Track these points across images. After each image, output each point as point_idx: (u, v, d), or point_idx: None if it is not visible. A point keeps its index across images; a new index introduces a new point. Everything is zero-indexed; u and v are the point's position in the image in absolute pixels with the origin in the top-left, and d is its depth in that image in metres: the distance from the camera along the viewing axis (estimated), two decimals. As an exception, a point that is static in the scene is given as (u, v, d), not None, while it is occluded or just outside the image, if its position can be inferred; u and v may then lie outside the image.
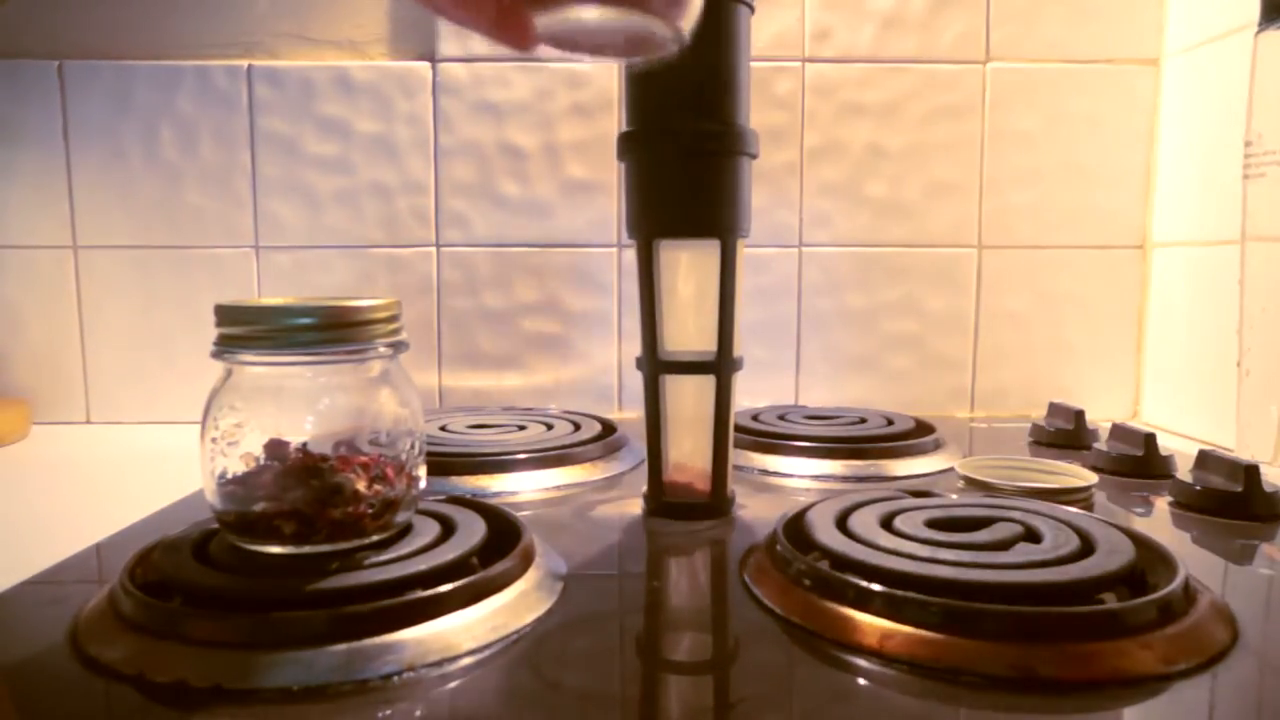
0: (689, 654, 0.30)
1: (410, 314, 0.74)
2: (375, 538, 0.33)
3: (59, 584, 0.35)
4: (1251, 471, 0.44)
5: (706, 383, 0.42)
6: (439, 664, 0.28)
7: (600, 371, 0.75)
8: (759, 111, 0.71)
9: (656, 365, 0.43)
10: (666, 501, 0.44)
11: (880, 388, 0.75)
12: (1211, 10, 0.66)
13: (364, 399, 0.34)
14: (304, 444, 0.33)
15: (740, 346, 0.43)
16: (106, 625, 0.29)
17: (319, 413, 0.34)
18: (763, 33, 0.72)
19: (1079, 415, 0.61)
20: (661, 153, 0.41)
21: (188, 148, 0.72)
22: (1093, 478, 0.48)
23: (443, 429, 0.59)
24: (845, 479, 0.51)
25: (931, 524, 0.36)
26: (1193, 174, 0.69)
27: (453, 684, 0.27)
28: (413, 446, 0.34)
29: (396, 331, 0.34)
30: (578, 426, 0.60)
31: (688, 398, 0.43)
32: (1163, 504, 0.46)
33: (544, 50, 0.29)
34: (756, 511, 0.45)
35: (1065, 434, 0.60)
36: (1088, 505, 0.46)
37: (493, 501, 0.41)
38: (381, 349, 0.33)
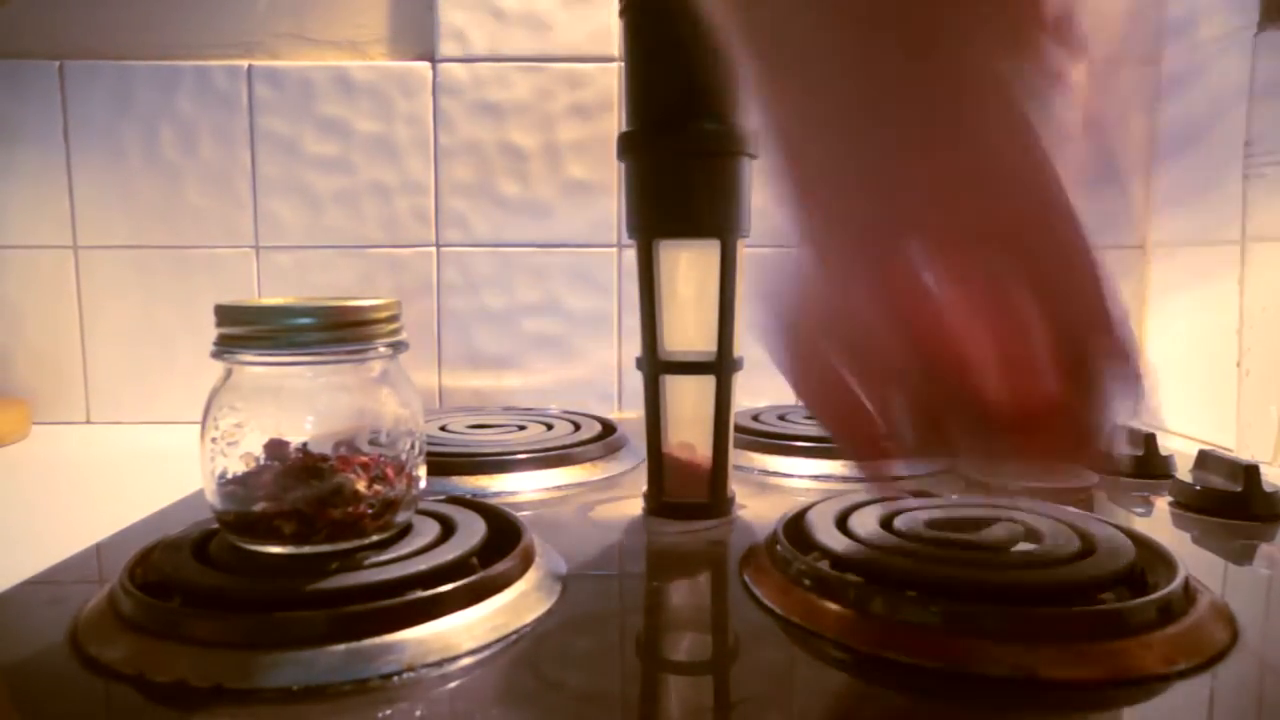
0: (689, 654, 0.30)
1: (410, 314, 0.74)
2: (375, 538, 0.33)
3: (59, 584, 0.35)
4: (1251, 471, 0.44)
5: (706, 383, 0.42)
6: (439, 664, 0.28)
7: (600, 371, 0.75)
8: (759, 111, 0.71)
9: (656, 365, 0.43)
10: (666, 501, 0.44)
11: (880, 388, 0.75)
12: (1211, 10, 0.66)
13: (364, 399, 0.34)
14: (304, 444, 0.33)
15: (740, 346, 0.43)
16: (106, 625, 0.29)
17: (319, 413, 0.34)
18: (763, 33, 0.72)
19: (1079, 415, 0.60)
20: (661, 153, 0.41)
21: (188, 148, 0.72)
22: (1093, 477, 0.48)
23: (443, 429, 0.59)
24: (845, 479, 0.51)
25: (931, 524, 0.36)
26: (1193, 174, 0.69)
27: (453, 684, 0.27)
28: (413, 446, 0.34)
29: (396, 331, 0.34)
30: (578, 426, 0.60)
31: (688, 398, 0.43)
32: (1163, 504, 0.46)
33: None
34: (756, 511, 0.45)
35: (1065, 434, 0.60)
36: (1088, 505, 0.46)
37: (493, 501, 0.41)
38: (381, 349, 0.34)
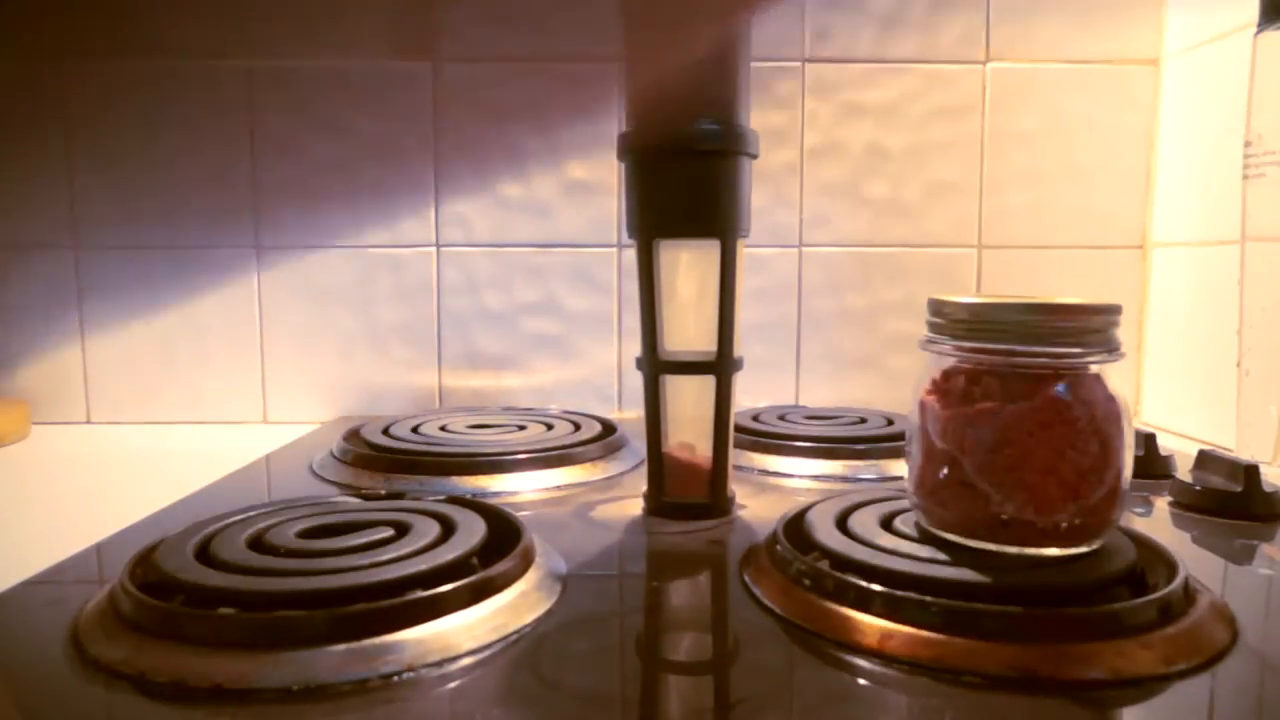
0: (689, 654, 0.30)
1: (410, 314, 0.74)
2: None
3: (59, 584, 0.35)
4: (1251, 471, 0.44)
5: (706, 383, 0.42)
6: (439, 664, 0.28)
7: (600, 371, 0.75)
8: (759, 111, 0.71)
9: (656, 365, 0.43)
10: (666, 501, 0.44)
11: (880, 388, 0.75)
12: (1211, 10, 0.66)
13: None
14: None
15: (740, 346, 0.43)
16: (106, 625, 0.29)
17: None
18: (763, 33, 0.72)
19: (1079, 415, 0.61)
20: (661, 152, 0.41)
21: (188, 148, 0.72)
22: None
23: (443, 429, 0.59)
24: (845, 479, 0.51)
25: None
26: (1193, 174, 0.69)
27: (453, 684, 0.27)
28: None
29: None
30: (578, 426, 0.60)
31: (688, 398, 0.43)
32: (1163, 504, 0.46)
33: None
34: (756, 511, 0.45)
35: (1065, 434, 0.60)
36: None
37: (493, 501, 0.41)
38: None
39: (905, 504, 0.39)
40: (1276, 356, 0.55)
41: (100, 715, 0.26)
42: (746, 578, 0.35)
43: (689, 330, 0.43)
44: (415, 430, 0.59)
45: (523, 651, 0.29)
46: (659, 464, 0.44)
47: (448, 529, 0.36)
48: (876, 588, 0.30)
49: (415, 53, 0.73)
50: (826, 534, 0.35)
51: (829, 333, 0.75)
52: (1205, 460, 0.48)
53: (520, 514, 0.38)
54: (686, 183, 0.41)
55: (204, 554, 0.33)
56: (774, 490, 0.50)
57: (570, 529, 0.43)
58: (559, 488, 0.50)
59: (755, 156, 0.42)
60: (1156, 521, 0.44)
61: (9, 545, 0.42)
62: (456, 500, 0.40)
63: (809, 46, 0.73)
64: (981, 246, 0.74)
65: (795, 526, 0.37)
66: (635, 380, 0.45)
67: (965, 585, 0.30)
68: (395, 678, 0.27)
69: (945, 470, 0.33)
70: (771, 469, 0.53)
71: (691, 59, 0.31)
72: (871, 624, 0.29)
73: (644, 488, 0.45)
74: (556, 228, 0.74)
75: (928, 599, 0.29)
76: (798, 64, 0.73)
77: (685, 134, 0.40)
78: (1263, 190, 0.55)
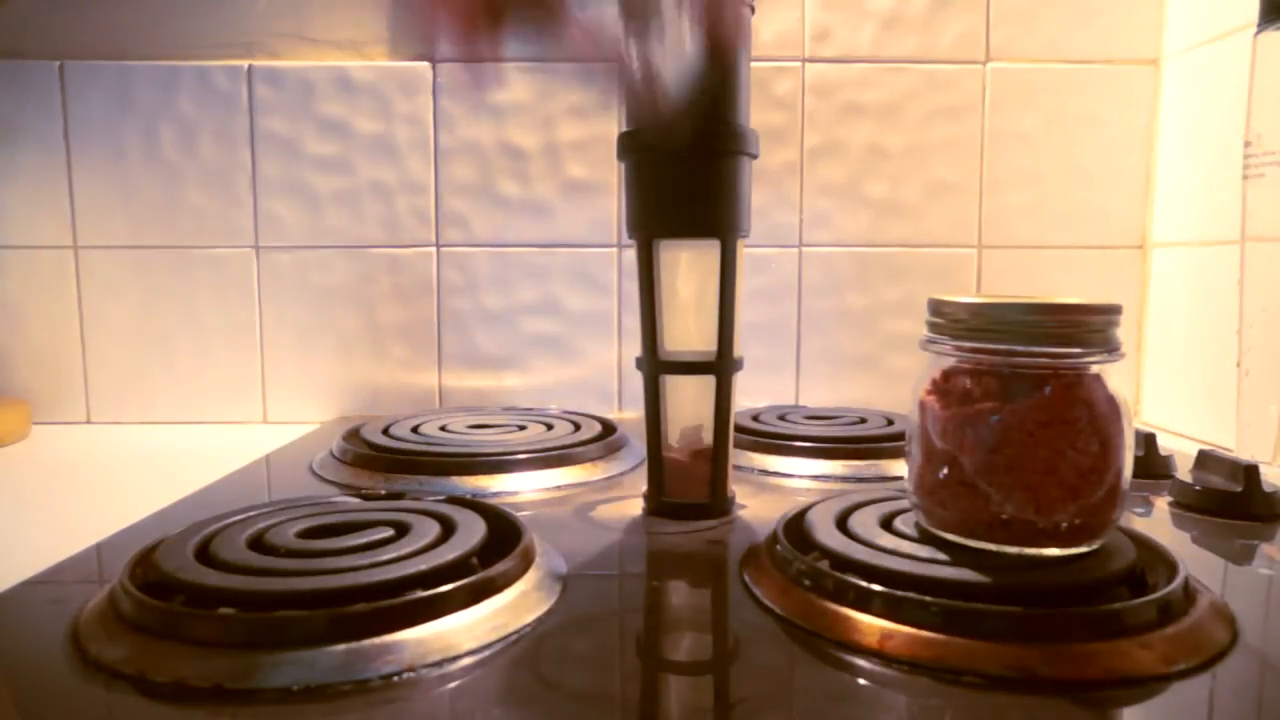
0: (689, 654, 0.30)
1: (410, 314, 0.74)
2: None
3: (59, 584, 0.35)
4: (1251, 471, 0.44)
5: (706, 383, 0.42)
6: (439, 664, 0.28)
7: (600, 371, 0.75)
8: (759, 111, 0.71)
9: (656, 365, 0.43)
10: (666, 501, 0.44)
11: (880, 388, 0.75)
12: (1211, 10, 0.66)
13: None
14: None
15: (740, 346, 0.43)
16: (106, 625, 0.29)
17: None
18: (763, 33, 0.72)
19: (1079, 415, 0.61)
20: (661, 153, 0.41)
21: (188, 148, 0.72)
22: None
23: (443, 429, 0.59)
24: (845, 479, 0.51)
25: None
26: (1193, 174, 0.69)
27: (453, 684, 0.27)
28: None
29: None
30: (578, 426, 0.60)
31: (688, 398, 0.43)
32: (1163, 504, 0.46)
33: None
34: (756, 511, 0.45)
35: (1065, 434, 0.60)
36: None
37: (493, 501, 0.41)
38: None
39: (905, 504, 0.39)
40: (1276, 356, 0.55)
41: (100, 715, 0.26)
42: (746, 578, 0.35)
43: (689, 330, 0.43)
44: (415, 430, 0.59)
45: (523, 651, 0.29)
46: (659, 464, 0.44)
47: (448, 529, 0.36)
48: (876, 588, 0.30)
49: (415, 53, 0.73)
50: (826, 534, 0.35)
51: (829, 333, 0.75)
52: (1205, 460, 0.48)
53: (520, 514, 0.38)
54: (686, 183, 0.41)
55: (204, 554, 0.33)
56: (774, 490, 0.50)
57: (570, 529, 0.43)
58: (559, 488, 0.50)
59: (755, 156, 0.42)
60: (1156, 521, 0.44)
61: (9, 545, 0.42)
62: (456, 500, 0.40)
63: (809, 46, 0.73)
64: (981, 246, 0.74)
65: (795, 526, 0.37)
66: (635, 380, 0.45)
67: (965, 585, 0.30)
68: (395, 678, 0.27)
69: (945, 470, 0.33)
70: (771, 469, 0.53)
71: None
72: (871, 624, 0.29)
73: (644, 488, 0.45)
74: (556, 228, 0.74)
75: (928, 599, 0.29)
76: (798, 64, 0.73)
77: (685, 134, 0.40)
78: (1263, 190, 0.55)
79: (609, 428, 0.60)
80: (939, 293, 0.35)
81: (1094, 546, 0.33)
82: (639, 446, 0.52)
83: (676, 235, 0.42)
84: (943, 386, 0.34)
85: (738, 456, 0.54)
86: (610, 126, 0.73)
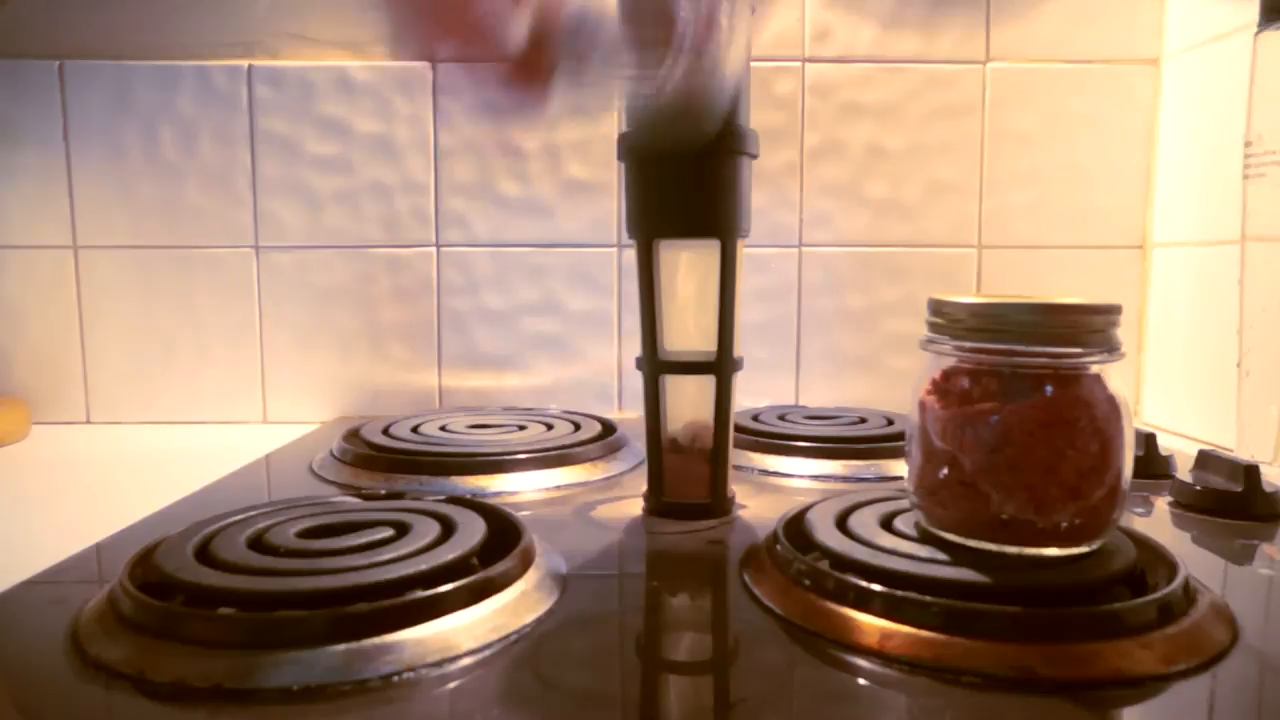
0: (689, 654, 0.30)
1: (410, 314, 0.74)
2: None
3: (59, 584, 0.35)
4: (1251, 471, 0.44)
5: (706, 383, 0.42)
6: (439, 664, 0.28)
7: (600, 371, 0.75)
8: (759, 111, 0.71)
9: (656, 365, 0.43)
10: (666, 501, 0.44)
11: (880, 388, 0.75)
12: (1211, 10, 0.66)
13: None
14: None
15: (740, 346, 0.43)
16: (106, 625, 0.29)
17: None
18: (763, 33, 0.72)
19: (1079, 415, 0.61)
20: (661, 152, 0.41)
21: (188, 148, 0.72)
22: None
23: (443, 429, 0.59)
24: (845, 479, 0.51)
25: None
26: (1193, 174, 0.69)
27: (453, 684, 0.27)
28: None
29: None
30: (578, 426, 0.60)
31: (688, 398, 0.43)
32: (1163, 504, 0.46)
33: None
34: (756, 511, 0.45)
35: (1065, 434, 0.60)
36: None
37: (493, 501, 0.41)
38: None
39: (905, 504, 0.39)
40: (1276, 356, 0.55)
41: (100, 715, 0.26)
42: (746, 578, 0.35)
43: (689, 330, 0.43)
44: (415, 430, 0.59)
45: (523, 651, 0.29)
46: (659, 464, 0.44)
47: (448, 529, 0.36)
48: (876, 588, 0.30)
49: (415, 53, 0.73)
50: (826, 534, 0.35)
51: (829, 333, 0.75)
52: (1205, 460, 0.48)
53: (520, 514, 0.38)
54: (686, 183, 0.41)
55: (204, 554, 0.33)
56: (774, 490, 0.50)
57: (570, 529, 0.43)
58: (559, 488, 0.50)
59: (755, 156, 0.42)
60: (1156, 521, 0.44)
61: (9, 545, 0.42)
62: (456, 500, 0.40)
63: (809, 46, 0.73)
64: (981, 246, 0.74)
65: (795, 526, 0.37)
66: (635, 380, 0.45)
67: (965, 585, 0.30)
68: (395, 678, 0.27)
69: (945, 470, 0.33)
70: (771, 469, 0.53)
71: None
72: (871, 624, 0.29)
73: (644, 488, 0.45)
74: (556, 228, 0.74)
75: (928, 599, 0.29)
76: (798, 64, 0.73)
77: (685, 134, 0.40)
78: (1263, 190, 0.55)
79: (609, 428, 0.60)
80: (939, 293, 0.35)
81: (1094, 546, 0.33)
82: (639, 446, 0.52)
83: (676, 235, 0.42)
84: (943, 386, 0.34)
85: (738, 456, 0.54)
86: (610, 126, 0.73)
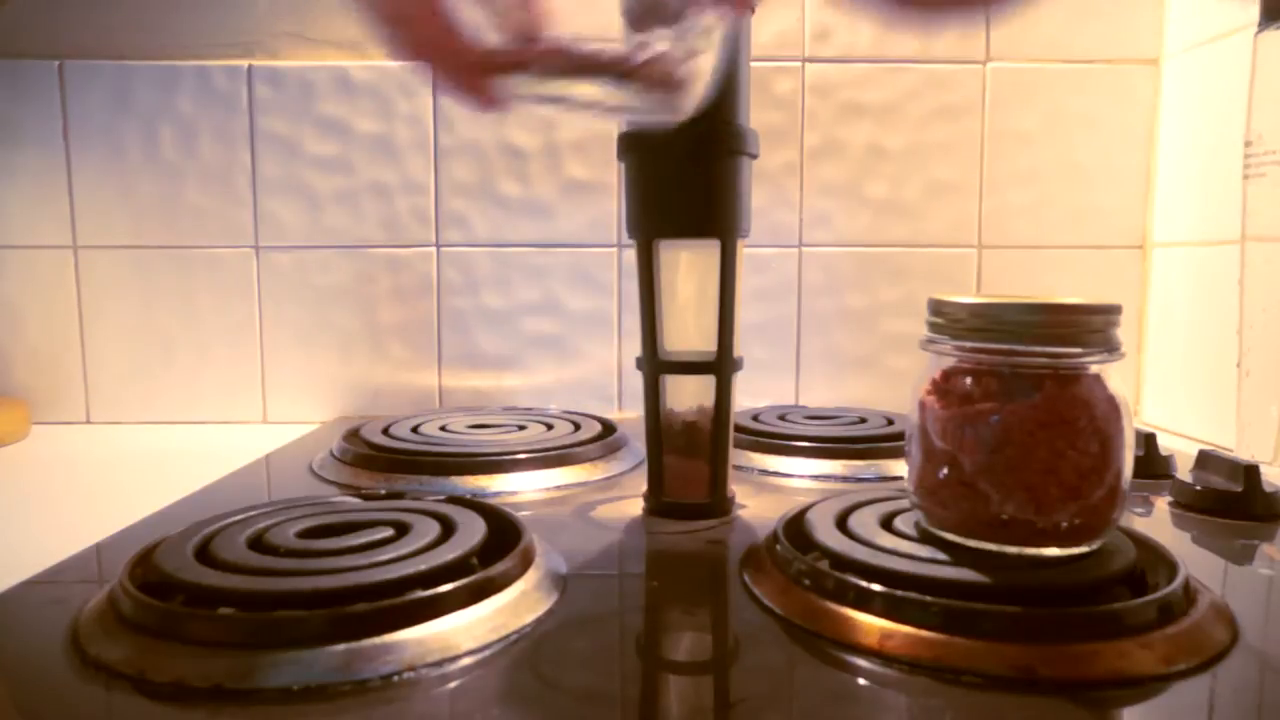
0: (689, 654, 0.30)
1: (410, 314, 0.74)
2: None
3: (59, 584, 0.35)
4: (1251, 471, 0.44)
5: (706, 383, 0.42)
6: (439, 664, 0.28)
7: (600, 371, 0.75)
8: (759, 111, 0.71)
9: (656, 365, 0.43)
10: (666, 501, 0.44)
11: (880, 388, 0.75)
12: (1211, 10, 0.66)
13: None
14: None
15: (740, 346, 0.43)
16: (106, 625, 0.29)
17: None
18: (763, 33, 0.72)
19: (1079, 415, 0.61)
20: (661, 153, 0.41)
21: (188, 148, 0.72)
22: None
23: (443, 429, 0.59)
24: (845, 479, 0.51)
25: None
26: (1193, 174, 0.69)
27: (453, 684, 0.27)
28: None
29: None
30: (578, 426, 0.60)
31: (687, 398, 0.43)
32: (1163, 504, 0.46)
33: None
34: (756, 511, 0.45)
35: (1065, 434, 0.60)
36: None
37: (493, 501, 0.41)
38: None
39: (905, 504, 0.39)
40: (1276, 356, 0.55)
41: (100, 715, 0.26)
42: (746, 578, 0.35)
43: (689, 330, 0.43)
44: (415, 430, 0.59)
45: (523, 651, 0.29)
46: (659, 464, 0.44)
47: (448, 529, 0.36)
48: (876, 588, 0.30)
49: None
50: (826, 534, 0.35)
51: (829, 333, 0.75)
52: (1205, 460, 0.48)
53: (520, 514, 0.38)
54: (686, 183, 0.41)
55: (204, 554, 0.33)
56: (774, 490, 0.50)
57: (570, 529, 0.43)
58: (559, 488, 0.50)
59: (755, 156, 0.42)
60: (1156, 521, 0.44)
61: (9, 545, 0.42)
62: (456, 500, 0.40)
63: (809, 46, 0.73)
64: (981, 246, 0.74)
65: (795, 526, 0.37)
66: (635, 380, 0.45)
67: (965, 585, 0.30)
68: (395, 678, 0.27)
69: (945, 470, 0.33)
70: (771, 469, 0.53)
71: None
72: (871, 624, 0.29)
73: (644, 488, 0.45)
74: (556, 228, 0.74)
75: (928, 599, 0.29)
76: (798, 64, 0.73)
77: (685, 134, 0.40)
78: (1263, 190, 0.55)
79: (609, 428, 0.60)
80: (939, 293, 0.35)
81: (1094, 546, 0.33)
82: (639, 446, 0.52)
83: (676, 235, 0.42)
84: (943, 386, 0.34)
85: (738, 456, 0.54)
86: (610, 126, 0.73)
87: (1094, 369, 0.32)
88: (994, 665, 0.27)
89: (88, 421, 0.74)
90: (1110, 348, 0.33)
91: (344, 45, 0.73)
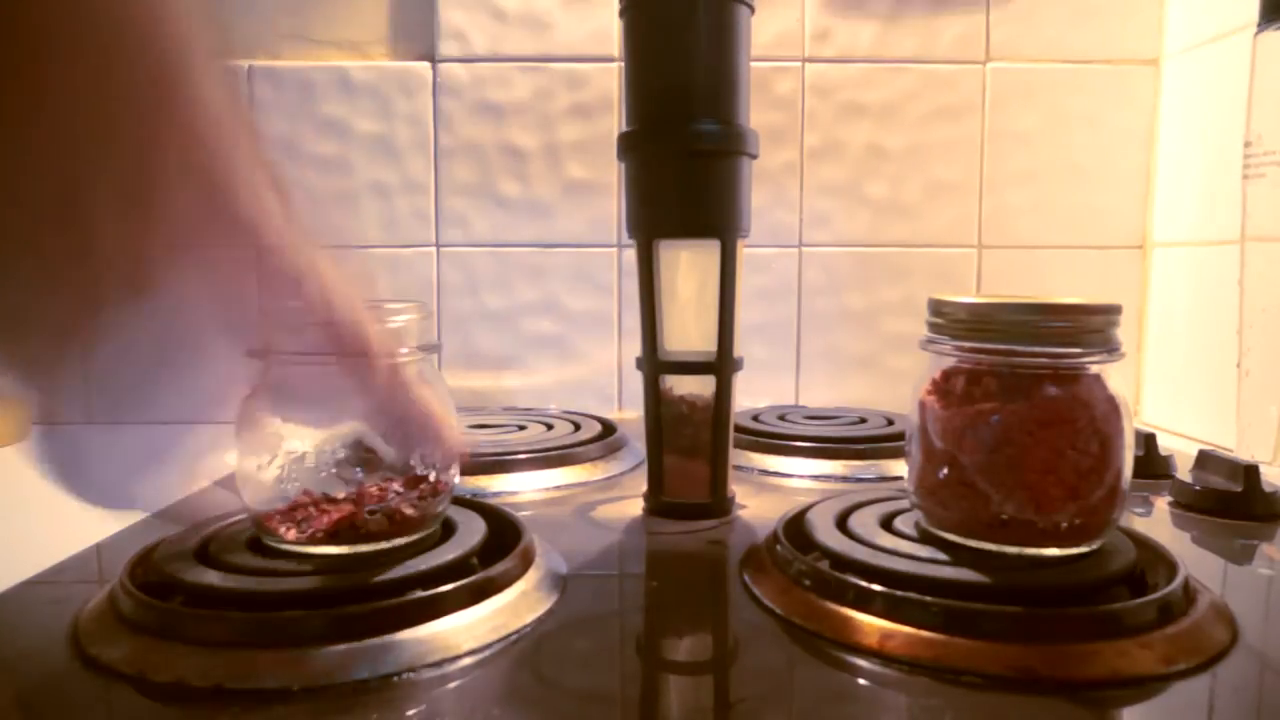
0: (689, 654, 0.30)
1: (410, 314, 0.74)
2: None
3: (59, 584, 0.35)
4: (1251, 471, 0.44)
5: (706, 383, 0.42)
6: (439, 664, 0.28)
7: (600, 371, 0.75)
8: (759, 111, 0.71)
9: (656, 365, 0.43)
10: (666, 501, 0.44)
11: (880, 388, 0.75)
12: (1211, 10, 0.66)
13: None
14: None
15: (740, 346, 0.43)
16: (106, 625, 0.29)
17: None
18: (763, 33, 0.72)
19: (1079, 415, 0.61)
20: (661, 153, 0.41)
21: (188, 148, 0.72)
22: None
23: (443, 429, 0.59)
24: (845, 479, 0.51)
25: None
26: (1193, 174, 0.69)
27: (453, 684, 0.27)
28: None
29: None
30: (578, 426, 0.60)
31: (688, 398, 0.43)
32: (1163, 504, 0.46)
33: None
34: (756, 511, 0.45)
35: (1065, 434, 0.60)
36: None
37: (493, 501, 0.41)
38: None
39: (905, 504, 0.39)
40: (1276, 356, 0.55)
41: (100, 715, 0.26)
42: (746, 578, 0.35)
43: (689, 330, 0.43)
44: (415, 430, 0.59)
45: (523, 651, 0.29)
46: (659, 464, 0.44)
47: (447, 529, 0.36)
48: (876, 588, 0.30)
49: (415, 53, 0.73)
50: (826, 534, 0.35)
51: (829, 333, 0.75)
52: (1205, 460, 0.48)
53: (520, 514, 0.38)
54: (686, 183, 0.41)
55: (204, 554, 0.33)
56: (774, 490, 0.50)
57: (570, 529, 0.43)
58: (559, 488, 0.50)
59: (755, 156, 0.42)
60: (1156, 521, 0.44)
61: (9, 545, 0.42)
62: (456, 500, 0.40)
63: (809, 46, 0.73)
64: (981, 246, 0.74)
65: (795, 526, 0.37)
66: (635, 380, 0.44)
67: (965, 585, 0.30)
68: (395, 678, 0.27)
69: (945, 470, 0.33)
70: (771, 469, 0.53)
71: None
72: (871, 624, 0.29)
73: (644, 488, 0.45)
74: (556, 228, 0.74)
75: (928, 599, 0.29)
76: (798, 64, 0.73)
77: (685, 134, 0.40)
78: (1263, 190, 0.55)
79: (609, 428, 0.60)
80: (939, 292, 0.35)
81: (1094, 546, 0.33)
82: (639, 446, 0.52)
83: (676, 235, 0.42)
84: (943, 387, 0.34)
85: (738, 456, 0.54)
86: (610, 126, 0.73)
87: (1093, 369, 0.32)
88: (994, 665, 0.27)
89: (88, 422, 0.74)
90: (1110, 348, 0.33)
91: (344, 45, 0.73)
